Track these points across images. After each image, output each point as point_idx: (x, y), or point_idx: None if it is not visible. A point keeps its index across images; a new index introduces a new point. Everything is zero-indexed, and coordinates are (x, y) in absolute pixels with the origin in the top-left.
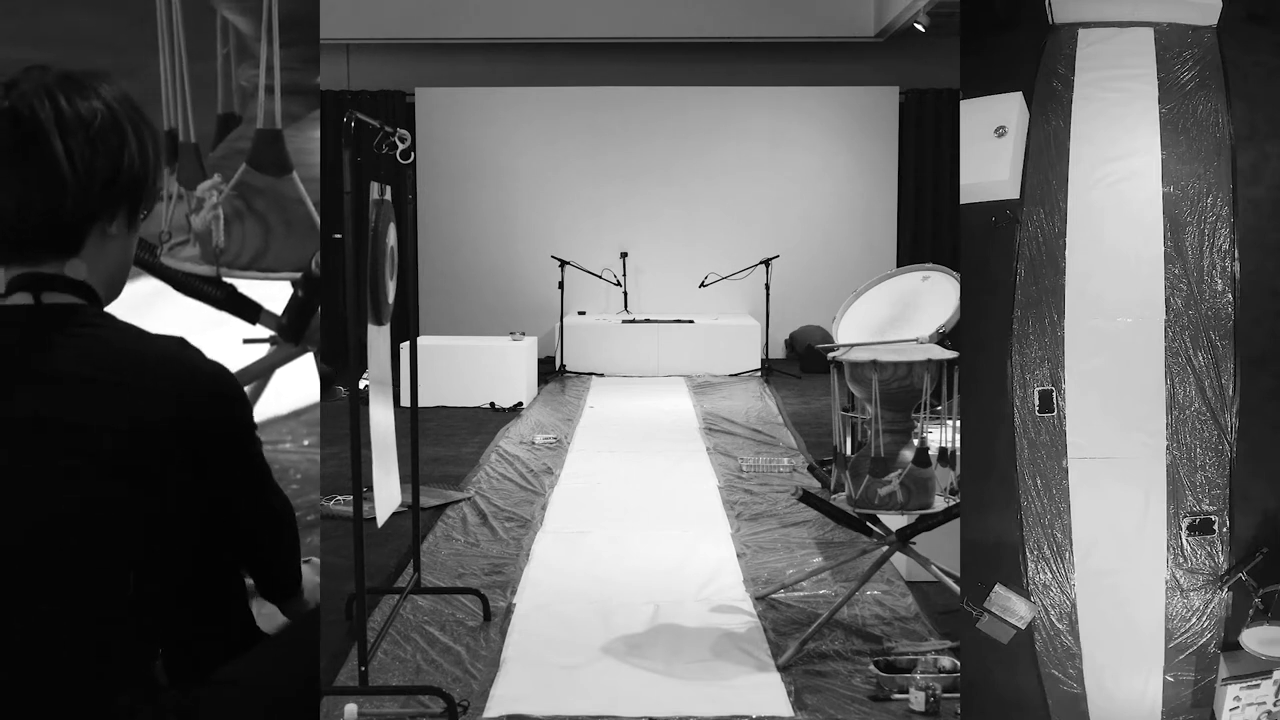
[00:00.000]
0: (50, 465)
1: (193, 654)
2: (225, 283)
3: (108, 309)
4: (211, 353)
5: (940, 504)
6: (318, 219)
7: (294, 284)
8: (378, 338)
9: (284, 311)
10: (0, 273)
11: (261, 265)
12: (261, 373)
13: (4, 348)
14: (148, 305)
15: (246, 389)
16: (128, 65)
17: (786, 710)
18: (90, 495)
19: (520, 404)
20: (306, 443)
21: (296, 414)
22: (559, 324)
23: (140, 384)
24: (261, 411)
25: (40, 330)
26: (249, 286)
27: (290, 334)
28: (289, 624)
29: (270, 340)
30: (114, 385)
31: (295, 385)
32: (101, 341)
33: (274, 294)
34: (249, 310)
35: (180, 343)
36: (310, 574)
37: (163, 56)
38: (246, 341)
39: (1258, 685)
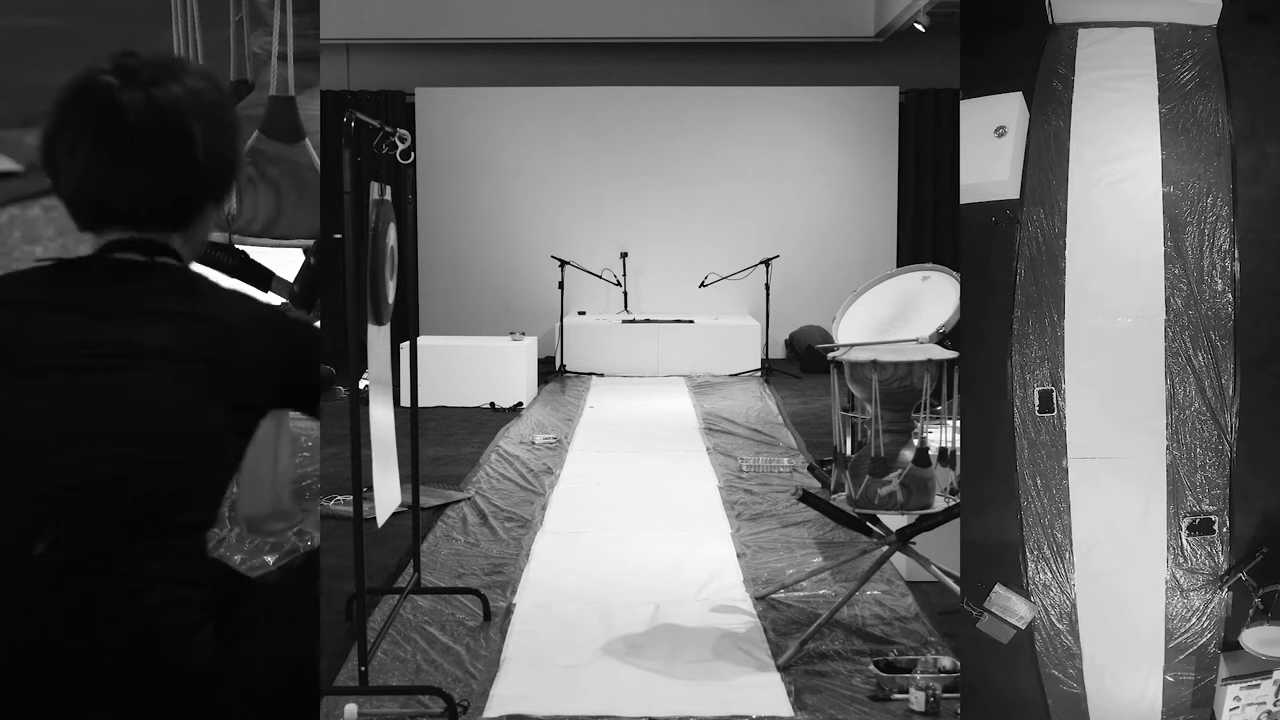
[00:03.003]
0: (173, 388)
1: None
2: (238, 249)
3: None
4: None
5: (940, 504)
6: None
7: (306, 251)
8: (378, 338)
9: (296, 278)
10: (35, 230)
11: (274, 232)
12: None
13: (124, 292)
14: None
15: None
16: (140, 33)
17: (786, 710)
18: (204, 415)
19: (520, 404)
20: None
21: None
22: (559, 324)
23: (245, 327)
24: None
25: (155, 280)
26: (261, 253)
27: (302, 301)
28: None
29: (281, 308)
30: (224, 325)
31: None
32: (209, 293)
33: (286, 261)
34: (261, 277)
35: (272, 305)
36: None
37: (175, 24)
38: None
39: (1258, 685)
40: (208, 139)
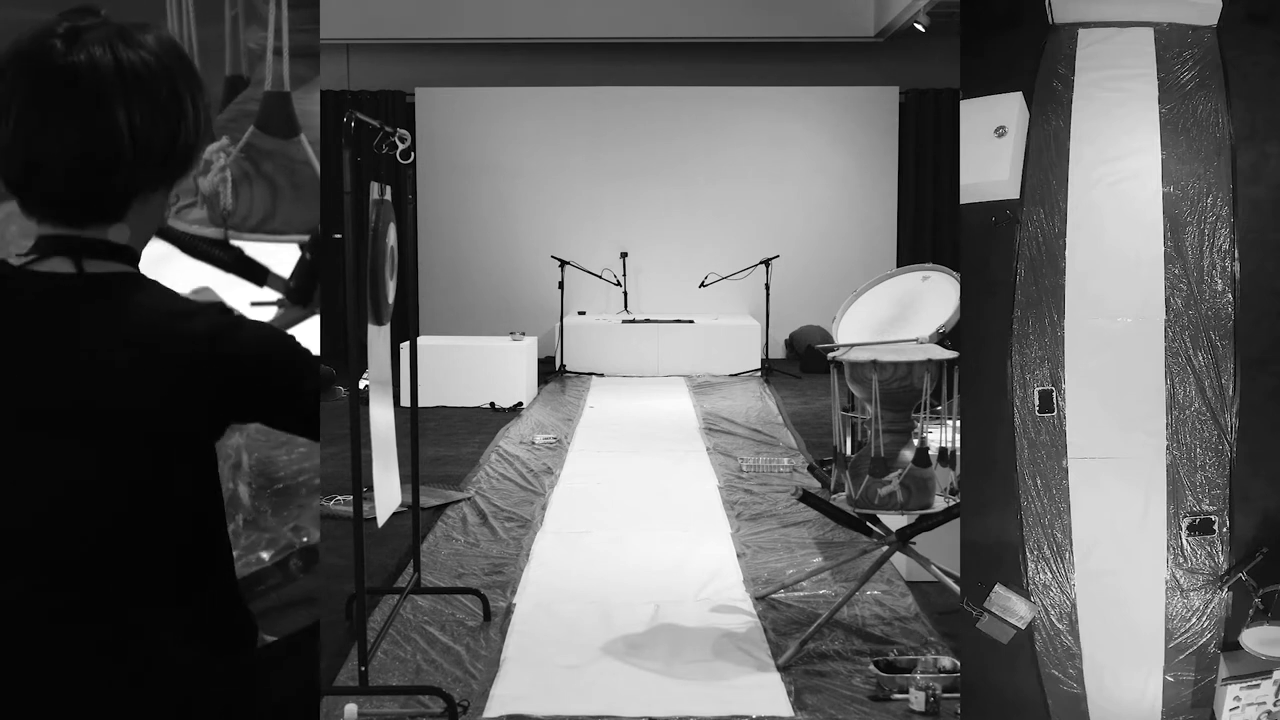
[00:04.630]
0: (99, 446)
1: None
2: (232, 245)
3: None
4: None
5: (940, 504)
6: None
7: (301, 246)
8: (378, 338)
9: (291, 274)
10: (31, 225)
11: (269, 228)
12: None
13: (45, 321)
14: (155, 268)
15: None
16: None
17: (786, 710)
18: (138, 474)
19: (520, 404)
20: None
21: None
22: (559, 324)
23: (188, 356)
24: None
25: (85, 304)
26: (256, 249)
27: (298, 296)
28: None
29: (278, 303)
30: (161, 359)
31: None
32: (146, 313)
33: (282, 257)
34: (256, 273)
35: (220, 309)
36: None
37: (170, 18)
38: (254, 304)
39: (1258, 685)
40: (134, 117)
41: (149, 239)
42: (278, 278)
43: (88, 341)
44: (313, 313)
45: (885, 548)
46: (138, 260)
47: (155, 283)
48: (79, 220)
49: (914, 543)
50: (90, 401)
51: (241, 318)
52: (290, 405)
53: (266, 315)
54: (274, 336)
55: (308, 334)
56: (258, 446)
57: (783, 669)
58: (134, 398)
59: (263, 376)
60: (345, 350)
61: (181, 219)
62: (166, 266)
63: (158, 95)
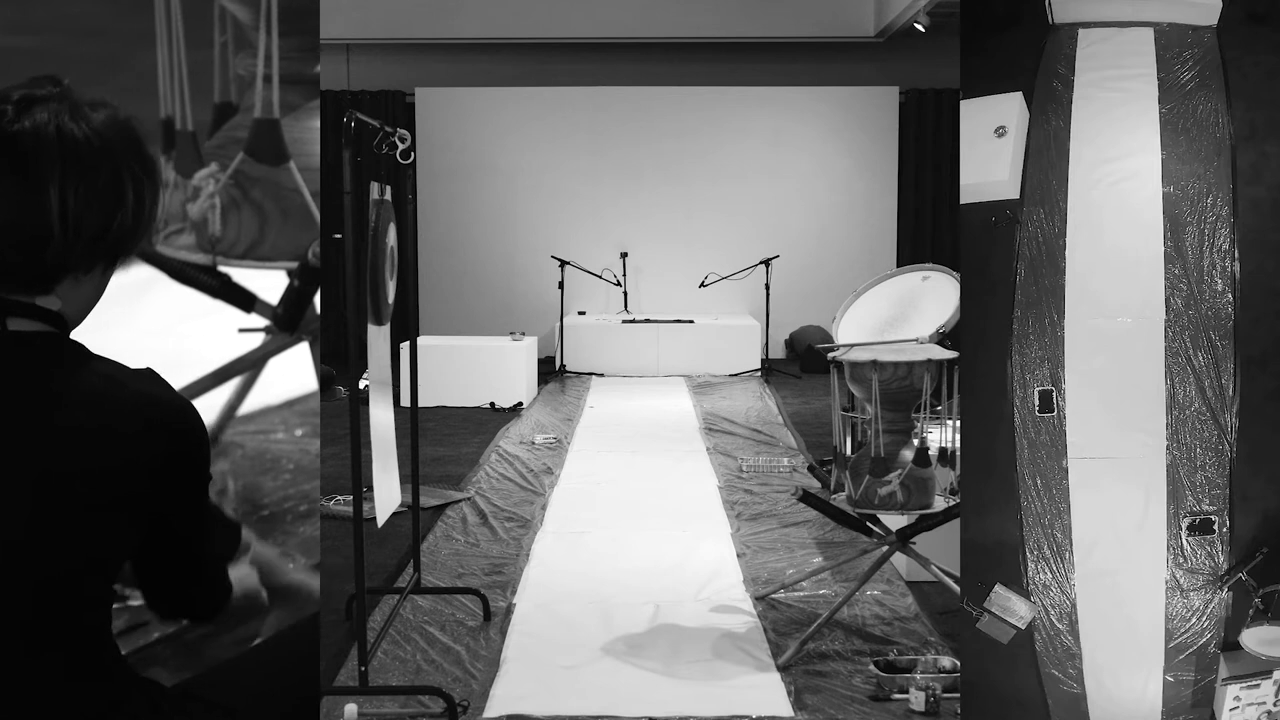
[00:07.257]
0: (12, 509)
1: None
2: (221, 271)
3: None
4: (206, 342)
5: (940, 504)
6: (315, 208)
7: (290, 274)
8: (378, 338)
9: (279, 301)
10: None
11: (257, 254)
12: (255, 362)
13: None
14: (142, 293)
15: (239, 379)
16: (123, 53)
17: (786, 710)
18: (55, 532)
19: (520, 404)
20: (299, 433)
21: (289, 404)
22: (559, 324)
23: (112, 425)
24: (254, 401)
25: (8, 358)
26: (244, 275)
27: (285, 323)
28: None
29: (265, 330)
30: (83, 429)
31: (289, 375)
32: (70, 381)
33: (269, 283)
34: (244, 299)
35: (150, 378)
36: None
37: (160, 45)
38: (241, 331)
39: (1258, 685)
40: (68, 197)
41: (86, 313)
42: (265, 304)
43: (9, 394)
44: (300, 339)
45: (885, 548)
46: (68, 329)
47: (83, 346)
48: (4, 287)
49: (914, 543)
50: (6, 451)
51: (172, 390)
52: (194, 496)
53: (254, 342)
54: (198, 421)
55: (298, 361)
56: (244, 472)
57: (783, 669)
58: (54, 454)
59: (183, 455)
60: (345, 350)
61: (169, 245)
62: (153, 292)
63: (96, 177)
